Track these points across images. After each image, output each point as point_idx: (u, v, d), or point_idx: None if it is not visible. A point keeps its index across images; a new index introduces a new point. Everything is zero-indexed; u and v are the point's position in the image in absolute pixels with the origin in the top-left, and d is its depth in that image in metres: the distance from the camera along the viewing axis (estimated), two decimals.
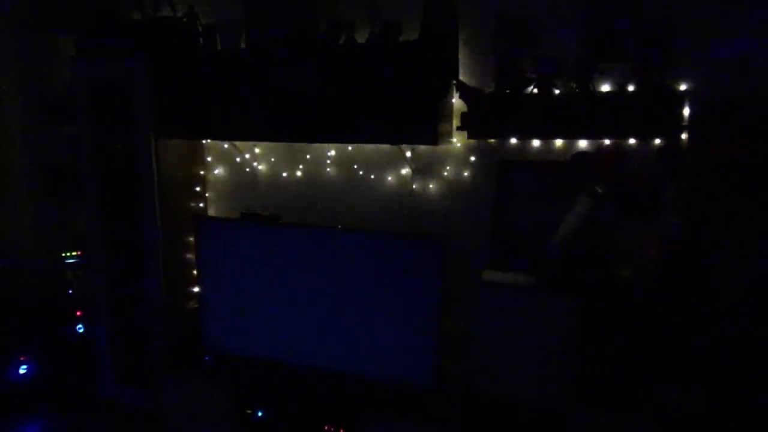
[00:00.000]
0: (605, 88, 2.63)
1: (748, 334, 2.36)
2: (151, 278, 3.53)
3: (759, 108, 2.44)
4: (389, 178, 3.26)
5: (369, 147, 3.26)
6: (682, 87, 2.56)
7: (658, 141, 2.65)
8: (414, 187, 3.20)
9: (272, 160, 3.56)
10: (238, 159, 3.66)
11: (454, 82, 2.84)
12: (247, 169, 3.65)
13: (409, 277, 2.95)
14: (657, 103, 2.53)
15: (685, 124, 2.57)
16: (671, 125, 2.55)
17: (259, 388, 3.28)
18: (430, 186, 3.17)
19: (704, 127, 2.57)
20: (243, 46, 3.26)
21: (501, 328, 2.67)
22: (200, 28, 3.36)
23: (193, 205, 3.69)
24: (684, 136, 2.59)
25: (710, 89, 2.55)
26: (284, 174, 3.53)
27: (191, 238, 3.62)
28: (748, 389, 2.36)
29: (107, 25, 3.44)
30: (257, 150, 3.60)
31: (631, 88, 2.57)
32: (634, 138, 2.66)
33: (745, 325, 2.36)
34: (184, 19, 3.36)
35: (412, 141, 2.93)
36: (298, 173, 3.49)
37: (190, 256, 3.66)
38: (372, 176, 3.30)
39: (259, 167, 3.61)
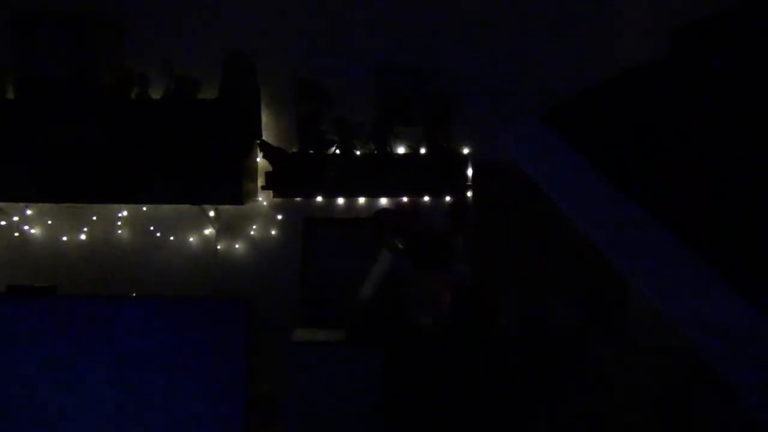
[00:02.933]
0: (401, 150, 2.84)
1: (524, 370, 2.65)
2: None
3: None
4: (191, 239, 3.08)
5: (167, 206, 3.05)
6: (465, 150, 2.88)
7: (448, 198, 2.92)
8: (219, 247, 3.07)
9: (49, 222, 3.12)
10: (2, 222, 3.13)
11: (258, 142, 2.83)
12: (16, 234, 3.14)
13: (215, 343, 2.79)
14: (444, 164, 2.82)
15: (469, 183, 2.89)
16: (458, 184, 2.85)
17: None
18: (236, 246, 3.07)
19: (482, 185, 2.92)
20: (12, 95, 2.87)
21: (313, 386, 2.67)
22: None
23: None
24: (469, 193, 2.90)
25: (485, 153, 2.90)
26: (64, 238, 3.11)
27: None
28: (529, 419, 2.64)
29: None
30: (29, 211, 3.12)
31: (422, 150, 2.82)
32: (428, 196, 2.91)
33: (521, 362, 2.66)
34: None
35: (216, 201, 2.85)
36: (82, 236, 3.11)
37: None
38: (172, 238, 3.08)
39: (32, 231, 3.13)
